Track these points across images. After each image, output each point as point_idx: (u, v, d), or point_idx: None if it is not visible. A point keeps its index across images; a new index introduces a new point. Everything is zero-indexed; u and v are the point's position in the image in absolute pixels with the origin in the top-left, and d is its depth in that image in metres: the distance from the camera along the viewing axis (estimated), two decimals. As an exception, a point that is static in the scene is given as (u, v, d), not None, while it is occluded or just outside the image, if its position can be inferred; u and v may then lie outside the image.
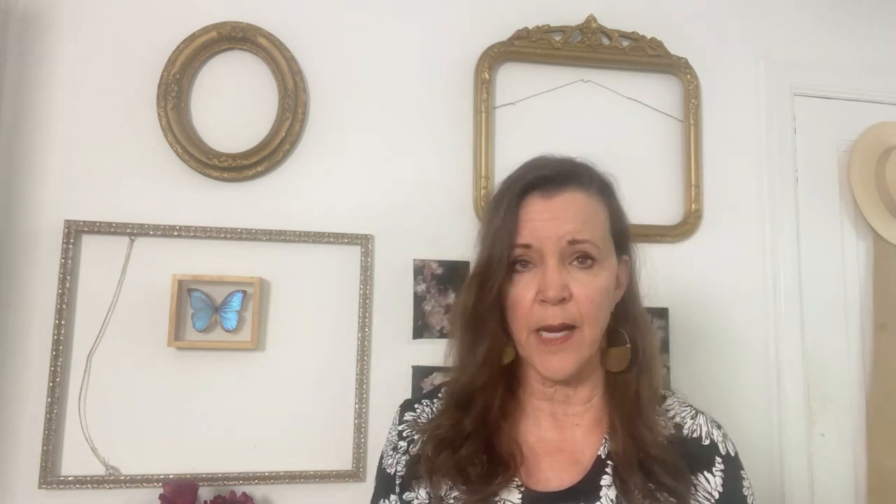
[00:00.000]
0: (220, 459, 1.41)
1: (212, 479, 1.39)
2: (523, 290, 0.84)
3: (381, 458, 0.96)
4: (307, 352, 1.47)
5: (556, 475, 0.86)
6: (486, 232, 0.89)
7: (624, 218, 0.93)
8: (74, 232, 1.40)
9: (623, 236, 0.92)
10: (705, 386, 1.59)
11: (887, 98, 1.78)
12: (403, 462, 0.90)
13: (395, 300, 1.52)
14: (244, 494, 1.36)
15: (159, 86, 1.47)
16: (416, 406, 0.96)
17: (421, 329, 1.51)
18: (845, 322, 1.70)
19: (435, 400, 0.95)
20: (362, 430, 1.45)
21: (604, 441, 0.87)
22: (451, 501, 0.83)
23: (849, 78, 1.77)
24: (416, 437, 0.91)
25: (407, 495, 0.87)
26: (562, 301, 0.82)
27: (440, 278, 1.52)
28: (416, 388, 1.48)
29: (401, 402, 0.99)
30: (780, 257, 1.66)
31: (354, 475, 1.44)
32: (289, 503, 1.43)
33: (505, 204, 0.86)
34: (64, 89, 1.46)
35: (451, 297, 1.52)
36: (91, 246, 1.43)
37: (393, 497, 0.90)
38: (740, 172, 1.70)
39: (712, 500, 0.85)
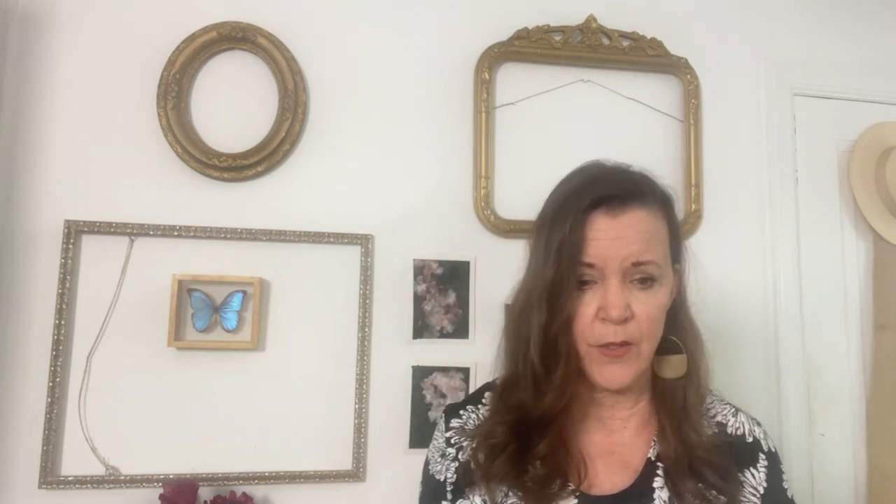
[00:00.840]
0: (220, 459, 1.41)
1: (212, 479, 1.39)
2: (584, 307, 0.85)
3: (427, 464, 0.96)
4: (307, 352, 1.47)
5: (608, 479, 0.87)
6: (546, 244, 0.87)
7: (679, 230, 0.94)
8: (74, 232, 1.40)
9: (678, 247, 0.93)
10: (705, 386, 1.59)
11: (887, 98, 1.78)
12: (453, 469, 0.90)
13: (395, 300, 1.52)
14: (244, 494, 1.36)
15: (159, 86, 1.47)
16: (461, 412, 0.96)
17: (421, 329, 1.51)
18: (845, 322, 1.70)
19: (479, 406, 0.95)
20: (362, 430, 1.45)
21: (652, 443, 0.89)
22: (507, 502, 0.84)
23: (849, 78, 1.77)
24: (464, 443, 0.91)
25: (461, 502, 0.88)
26: (624, 321, 0.83)
27: (440, 278, 1.52)
28: (416, 387, 1.49)
29: (445, 407, 0.99)
30: (780, 257, 1.66)
31: (354, 475, 1.44)
32: (289, 503, 1.43)
33: (570, 219, 0.85)
34: (64, 89, 1.46)
35: (451, 297, 1.52)
36: (91, 246, 1.43)
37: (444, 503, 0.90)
38: (740, 172, 1.70)
39: (758, 496, 0.88)
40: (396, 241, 1.53)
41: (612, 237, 0.84)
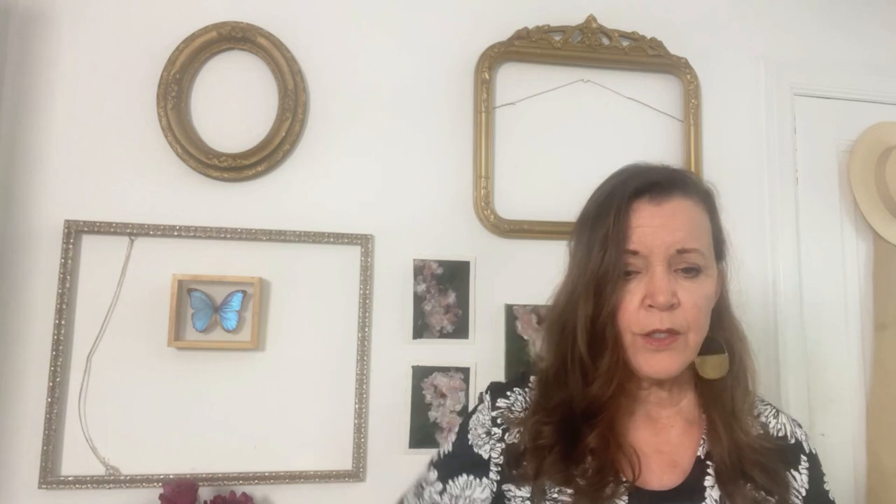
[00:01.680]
0: (220, 459, 1.41)
1: (212, 479, 1.39)
2: (630, 296, 0.84)
3: (465, 433, 0.94)
4: (307, 352, 1.47)
5: (658, 477, 0.87)
6: (589, 238, 0.87)
7: (722, 227, 0.95)
8: (74, 232, 1.40)
9: (721, 245, 0.94)
10: (705, 386, 1.59)
11: (887, 98, 1.78)
12: (499, 449, 0.89)
13: (395, 300, 1.52)
14: (244, 494, 1.36)
15: (159, 86, 1.47)
16: (508, 393, 0.94)
17: (421, 329, 1.51)
18: (845, 322, 1.70)
19: (526, 389, 0.94)
20: (362, 430, 1.45)
21: (702, 442, 0.89)
22: (556, 495, 0.83)
23: (849, 78, 1.77)
24: (512, 426, 0.90)
25: (506, 486, 0.87)
26: (670, 307, 0.83)
27: (440, 278, 1.52)
28: (416, 388, 1.49)
29: (488, 384, 0.97)
30: (780, 257, 1.66)
31: (354, 475, 1.44)
32: (289, 503, 1.43)
33: (614, 208, 0.85)
34: (64, 89, 1.46)
35: (451, 297, 1.52)
36: (91, 246, 1.43)
37: (485, 480, 0.89)
38: (740, 172, 1.70)
39: (801, 497, 0.89)
40: (396, 241, 1.53)
41: (656, 224, 0.84)
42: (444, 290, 1.52)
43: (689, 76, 1.67)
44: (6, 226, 1.40)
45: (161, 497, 1.31)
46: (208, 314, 1.43)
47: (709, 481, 0.86)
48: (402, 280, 1.52)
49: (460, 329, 1.52)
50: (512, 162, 1.60)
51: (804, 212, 1.70)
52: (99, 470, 1.37)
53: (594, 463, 0.84)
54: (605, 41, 1.66)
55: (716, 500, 0.84)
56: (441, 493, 0.92)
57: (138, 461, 1.39)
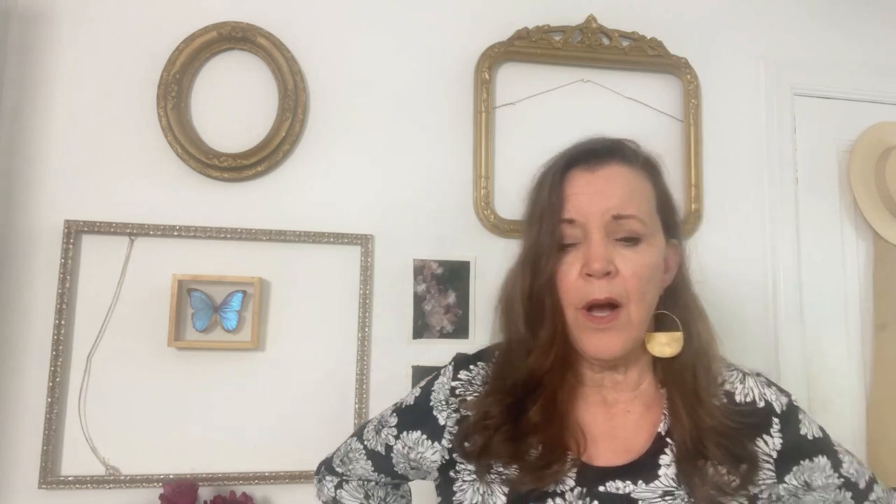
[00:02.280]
0: (220, 459, 1.41)
1: (212, 479, 1.39)
2: (568, 267, 0.83)
3: (428, 392, 0.94)
4: (307, 352, 1.48)
5: (607, 459, 0.84)
6: (530, 212, 0.88)
7: (671, 199, 0.92)
8: (74, 232, 1.40)
9: (670, 217, 0.91)
10: (705, 386, 1.59)
11: (887, 98, 1.78)
12: (454, 419, 0.89)
13: (395, 300, 1.52)
14: (244, 494, 1.36)
15: (159, 86, 1.47)
16: (471, 367, 0.94)
17: (421, 329, 1.51)
18: (845, 322, 1.70)
19: (490, 364, 0.93)
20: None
21: (663, 418, 0.86)
22: (502, 469, 0.82)
23: (849, 78, 1.77)
24: (468, 397, 0.90)
25: (456, 455, 0.87)
26: (607, 275, 0.81)
27: (440, 278, 1.52)
28: (416, 388, 1.49)
29: (454, 355, 0.97)
30: (780, 257, 1.66)
31: (354, 475, 1.44)
32: (289, 503, 1.43)
33: (549, 180, 0.86)
34: (64, 89, 1.46)
35: (451, 297, 1.52)
36: (91, 246, 1.43)
37: (437, 444, 0.89)
38: (740, 172, 1.70)
39: (771, 460, 0.85)
40: (396, 241, 1.53)
41: (591, 191, 0.83)
42: (444, 290, 1.52)
43: (689, 76, 1.67)
44: (6, 226, 1.40)
45: (161, 497, 1.31)
46: (208, 314, 1.43)
47: (665, 459, 0.83)
48: (402, 280, 1.52)
49: (460, 329, 1.52)
50: (512, 162, 1.60)
51: (804, 212, 1.70)
52: (99, 470, 1.37)
53: (537, 438, 0.82)
54: (605, 41, 1.66)
55: (672, 479, 0.81)
56: (396, 437, 0.95)
57: (138, 461, 1.39)
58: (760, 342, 1.65)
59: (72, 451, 1.37)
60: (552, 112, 1.63)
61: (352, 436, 1.06)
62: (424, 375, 1.48)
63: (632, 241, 0.83)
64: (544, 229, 0.84)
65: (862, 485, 0.91)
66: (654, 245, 0.85)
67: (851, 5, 1.81)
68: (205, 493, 1.37)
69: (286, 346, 1.47)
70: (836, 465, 0.89)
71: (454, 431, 0.89)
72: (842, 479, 0.89)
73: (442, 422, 0.91)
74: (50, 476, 1.34)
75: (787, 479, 0.86)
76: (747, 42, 1.75)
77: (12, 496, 1.34)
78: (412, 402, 0.96)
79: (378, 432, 0.99)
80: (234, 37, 1.51)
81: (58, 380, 1.36)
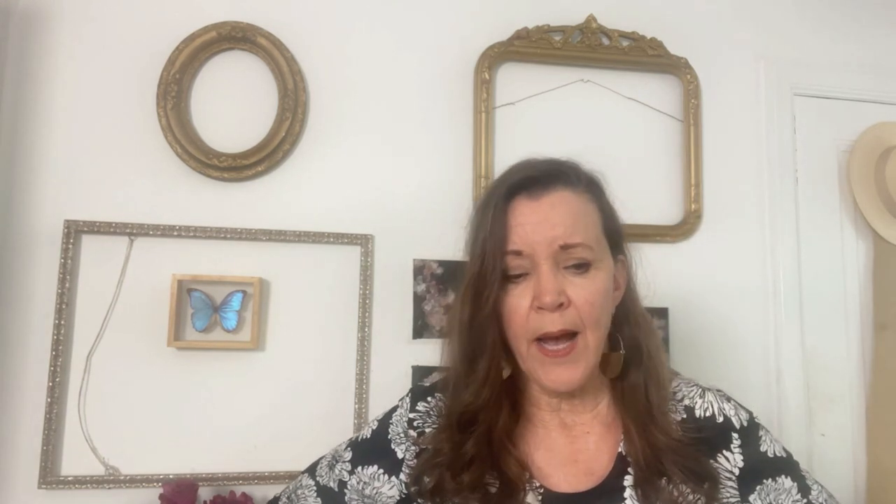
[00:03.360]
0: (220, 459, 1.41)
1: (212, 479, 1.39)
2: (518, 300, 0.81)
3: (386, 425, 0.93)
4: (307, 352, 1.47)
5: (571, 485, 0.83)
6: (473, 239, 0.85)
7: (616, 216, 0.90)
8: (74, 232, 1.40)
9: (617, 235, 0.89)
10: (705, 386, 1.59)
11: (887, 98, 1.78)
12: (412, 453, 0.88)
13: (395, 300, 1.52)
14: (244, 494, 1.36)
15: (159, 86, 1.47)
16: (429, 398, 0.93)
17: (421, 329, 1.51)
18: (845, 322, 1.70)
19: (447, 394, 0.91)
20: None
21: (621, 441, 0.85)
22: None
23: (849, 78, 1.76)
24: (426, 429, 0.89)
25: (414, 489, 0.86)
26: (560, 307, 0.79)
27: (440, 278, 1.52)
28: (416, 388, 1.48)
29: (413, 387, 0.97)
30: (780, 257, 1.66)
31: (354, 475, 1.44)
32: (289, 503, 1.43)
33: (491, 208, 0.83)
34: (64, 89, 1.46)
35: (451, 297, 1.52)
36: (91, 246, 1.43)
37: (394, 479, 0.88)
38: (740, 172, 1.70)
39: (734, 478, 0.85)
40: (396, 241, 1.53)
41: (535, 220, 0.81)
42: (444, 290, 1.52)
43: (689, 76, 1.67)
44: (6, 226, 1.40)
45: (161, 497, 1.31)
46: (208, 314, 1.43)
47: (629, 480, 0.82)
48: (402, 280, 1.52)
49: (460, 329, 1.52)
50: (512, 162, 1.59)
51: (804, 212, 1.70)
52: (99, 470, 1.37)
53: (470, 474, 0.80)
54: (605, 41, 1.66)
55: (637, 501, 0.80)
56: (350, 472, 0.93)
57: (138, 461, 1.39)
58: (760, 342, 1.65)
59: (71, 451, 1.37)
60: (552, 112, 1.63)
61: (304, 472, 1.02)
62: (424, 375, 1.48)
63: (581, 267, 0.81)
64: (488, 261, 0.81)
65: None
66: (603, 269, 0.84)
67: (851, 6, 1.81)
68: (205, 493, 1.37)
69: (286, 347, 1.47)
70: (804, 490, 0.89)
71: (412, 465, 0.87)
72: None
73: (400, 455, 0.89)
74: (50, 476, 1.34)
75: (751, 499, 0.85)
76: (747, 42, 1.74)
77: (12, 496, 1.34)
78: (369, 436, 0.94)
79: (332, 468, 0.96)
80: (234, 37, 1.51)
81: (57, 380, 1.36)
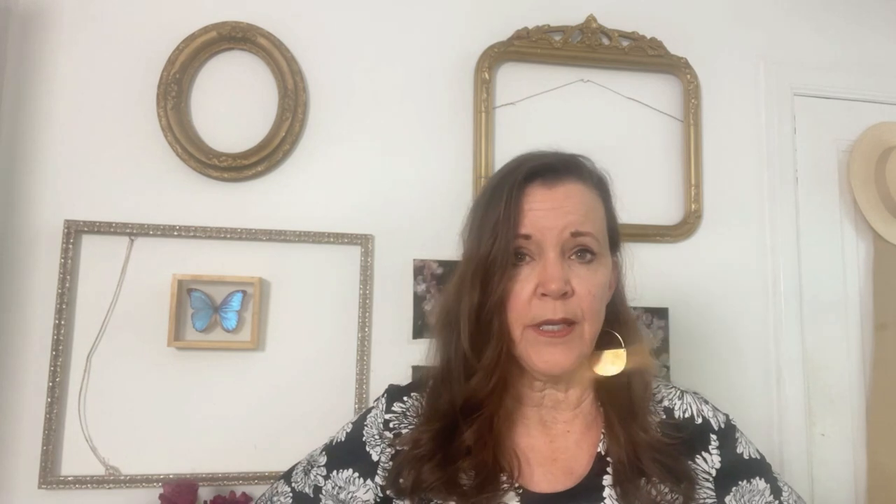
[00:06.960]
0: (220, 459, 1.41)
1: (212, 479, 1.39)
2: (521, 284, 0.81)
3: (360, 428, 0.92)
4: (307, 352, 1.47)
5: (550, 484, 0.83)
6: (482, 223, 0.85)
7: (616, 219, 0.92)
8: (74, 232, 1.40)
9: (616, 236, 0.91)
10: (705, 386, 1.57)
11: (887, 98, 1.78)
12: (389, 454, 0.88)
13: (395, 300, 1.52)
14: (244, 494, 1.36)
15: (159, 86, 1.47)
16: (405, 398, 0.92)
17: (421, 329, 1.51)
18: (845, 322, 1.70)
19: (424, 394, 0.91)
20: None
21: (602, 438, 0.86)
22: None
23: (849, 78, 1.77)
24: (403, 430, 0.88)
25: (390, 491, 0.86)
26: (563, 295, 0.80)
27: (440, 278, 1.52)
28: (416, 388, 1.48)
29: (388, 387, 0.95)
30: (780, 257, 1.66)
31: (354, 475, 1.44)
32: (289, 503, 1.43)
33: (505, 192, 0.83)
34: (64, 89, 1.46)
35: (451, 297, 1.52)
36: (91, 246, 1.43)
37: (369, 482, 0.87)
38: (740, 172, 1.70)
39: (711, 479, 0.85)
40: (396, 241, 1.53)
41: (548, 207, 0.82)
42: (443, 290, 1.52)
43: (689, 76, 1.67)
44: (6, 226, 1.40)
45: (161, 497, 1.31)
46: (208, 314, 1.43)
47: (608, 480, 0.82)
48: (402, 280, 1.52)
49: (460, 329, 1.52)
50: (512, 162, 1.59)
51: (804, 212, 1.70)
52: (99, 470, 1.37)
53: (469, 463, 0.80)
54: (605, 41, 1.66)
55: (616, 501, 0.80)
56: (325, 477, 0.92)
57: (138, 461, 1.39)
58: (761, 342, 1.65)
59: (72, 451, 1.37)
60: (552, 112, 1.63)
61: (279, 478, 1.01)
62: (424, 375, 1.49)
63: (587, 257, 0.82)
64: (499, 244, 0.80)
65: None
66: (605, 264, 0.85)
67: (851, 6, 1.81)
68: (205, 493, 1.37)
69: (286, 346, 1.47)
70: (776, 492, 0.89)
71: (388, 467, 0.86)
72: None
73: (375, 458, 0.88)
74: (50, 476, 1.34)
75: (727, 500, 0.86)
76: (747, 42, 1.75)
77: (12, 496, 1.34)
78: (343, 439, 0.93)
79: (307, 473, 0.95)
80: (234, 37, 1.51)
81: (57, 380, 1.36)
